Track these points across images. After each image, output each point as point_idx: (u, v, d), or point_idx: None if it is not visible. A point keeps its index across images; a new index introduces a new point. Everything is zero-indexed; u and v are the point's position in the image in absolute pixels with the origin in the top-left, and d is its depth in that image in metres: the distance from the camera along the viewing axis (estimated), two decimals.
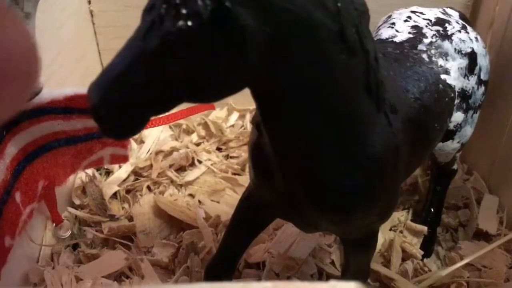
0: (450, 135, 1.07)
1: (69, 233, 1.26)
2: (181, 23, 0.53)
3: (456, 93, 1.00)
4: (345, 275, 1.02)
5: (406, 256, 1.24)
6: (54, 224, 1.25)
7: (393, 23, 1.08)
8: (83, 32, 1.55)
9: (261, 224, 1.02)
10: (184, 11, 0.53)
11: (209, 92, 0.61)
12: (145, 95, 0.57)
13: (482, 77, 1.07)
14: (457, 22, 1.09)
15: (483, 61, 1.07)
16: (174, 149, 1.55)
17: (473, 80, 1.04)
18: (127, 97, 0.57)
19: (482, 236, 1.30)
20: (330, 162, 0.72)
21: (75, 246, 1.25)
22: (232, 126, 1.70)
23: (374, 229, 0.93)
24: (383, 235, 1.28)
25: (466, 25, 1.11)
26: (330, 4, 0.59)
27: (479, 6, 1.53)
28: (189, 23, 0.53)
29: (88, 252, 1.21)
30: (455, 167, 1.30)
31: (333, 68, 0.63)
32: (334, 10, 0.60)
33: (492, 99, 1.40)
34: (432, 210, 1.33)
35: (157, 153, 1.54)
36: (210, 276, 1.03)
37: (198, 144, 1.62)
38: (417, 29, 1.04)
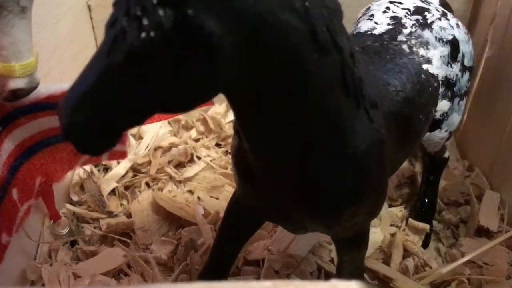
0: (437, 124, 1.06)
1: (67, 230, 1.25)
2: (143, 35, 0.51)
3: (440, 82, 0.99)
4: (340, 274, 1.01)
5: (406, 253, 1.23)
6: (52, 221, 1.24)
7: (372, 15, 1.06)
8: (81, 27, 1.54)
9: (251, 228, 1.00)
10: (145, 23, 0.51)
11: (181, 102, 0.59)
12: (115, 111, 0.55)
13: (466, 63, 1.06)
14: (437, 10, 1.07)
15: (466, 48, 1.06)
16: (173, 145, 1.55)
17: (456, 67, 1.03)
18: (96, 115, 0.55)
19: (483, 233, 1.29)
20: (314, 165, 0.71)
21: (73, 243, 1.25)
22: (231, 121, 1.69)
23: (365, 226, 0.92)
24: (383, 232, 1.28)
25: (447, 11, 1.10)
26: (297, 4, 0.57)
27: (481, 1, 1.52)
28: (152, 34, 0.51)
29: (86, 249, 1.20)
30: (446, 155, 1.29)
31: (307, 68, 0.61)
32: (302, 11, 0.57)
33: (494, 94, 1.39)
34: (427, 201, 1.32)
35: (156, 149, 1.53)
36: None
37: (197, 140, 1.61)
38: (396, 20, 1.02)
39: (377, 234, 1.27)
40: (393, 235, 1.27)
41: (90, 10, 1.58)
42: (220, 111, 1.69)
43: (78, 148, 0.59)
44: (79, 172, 1.39)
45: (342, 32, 0.65)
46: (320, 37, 0.60)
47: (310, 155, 0.69)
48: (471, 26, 1.58)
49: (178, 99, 0.57)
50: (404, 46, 0.96)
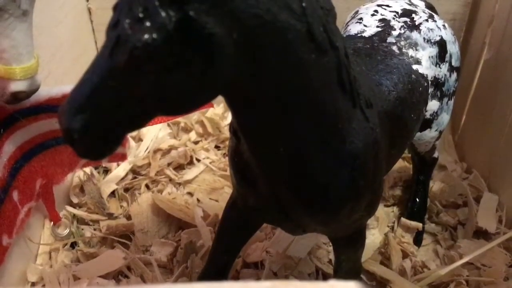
0: (427, 124, 1.07)
1: (67, 231, 1.26)
2: (146, 36, 0.51)
3: (429, 82, 1.00)
4: (337, 273, 1.02)
5: (405, 254, 1.24)
6: (52, 223, 1.24)
7: (361, 18, 1.07)
8: (81, 30, 1.54)
9: (249, 231, 1.01)
10: (148, 24, 0.52)
11: (182, 104, 0.59)
12: (117, 113, 0.56)
13: (453, 63, 1.08)
14: (424, 12, 1.09)
15: (453, 48, 1.08)
16: (172, 147, 1.55)
17: (444, 67, 1.04)
18: (98, 118, 0.56)
19: (482, 234, 1.30)
20: (312, 162, 0.72)
21: (73, 245, 1.25)
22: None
23: (361, 225, 0.93)
24: (381, 233, 1.28)
25: (433, 14, 1.11)
26: (295, 5, 0.58)
27: (479, 4, 1.53)
28: (154, 36, 0.52)
29: (87, 251, 1.21)
30: (435, 155, 1.31)
31: (305, 68, 0.62)
32: (299, 11, 0.59)
33: (492, 96, 1.40)
34: (418, 200, 1.34)
35: (156, 151, 1.53)
36: None
37: (196, 142, 1.61)
38: (384, 22, 1.04)
39: (375, 236, 1.28)
40: (386, 234, 1.28)
41: (90, 13, 1.59)
42: (219, 112, 1.69)
43: (79, 152, 0.59)
44: (79, 174, 1.40)
45: (337, 32, 0.66)
46: (317, 37, 0.61)
47: (308, 153, 0.70)
48: (469, 29, 1.59)
49: (179, 101, 0.58)
50: (394, 48, 0.98)
